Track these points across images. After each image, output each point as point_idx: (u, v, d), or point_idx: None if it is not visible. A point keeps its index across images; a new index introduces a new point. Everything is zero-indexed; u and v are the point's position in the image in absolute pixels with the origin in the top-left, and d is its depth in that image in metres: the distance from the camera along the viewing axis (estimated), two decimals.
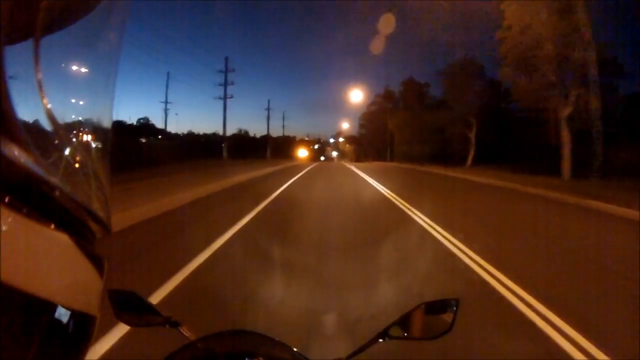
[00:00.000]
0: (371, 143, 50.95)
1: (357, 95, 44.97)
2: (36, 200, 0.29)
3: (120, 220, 5.50)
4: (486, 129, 25.25)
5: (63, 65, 0.38)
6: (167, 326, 0.81)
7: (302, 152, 56.84)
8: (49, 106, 0.34)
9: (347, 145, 67.41)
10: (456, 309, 0.77)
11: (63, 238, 0.32)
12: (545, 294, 3.18)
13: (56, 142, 0.36)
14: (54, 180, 0.30)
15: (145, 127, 39.02)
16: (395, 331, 0.77)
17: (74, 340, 0.34)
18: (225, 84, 34.45)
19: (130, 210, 6.21)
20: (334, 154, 71.44)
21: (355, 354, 0.78)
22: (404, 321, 0.77)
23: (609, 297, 3.29)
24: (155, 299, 3.07)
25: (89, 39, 0.39)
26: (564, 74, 15.07)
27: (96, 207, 0.37)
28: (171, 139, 38.54)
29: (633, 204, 7.48)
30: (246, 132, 56.28)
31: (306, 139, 71.22)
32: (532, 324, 2.71)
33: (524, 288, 3.31)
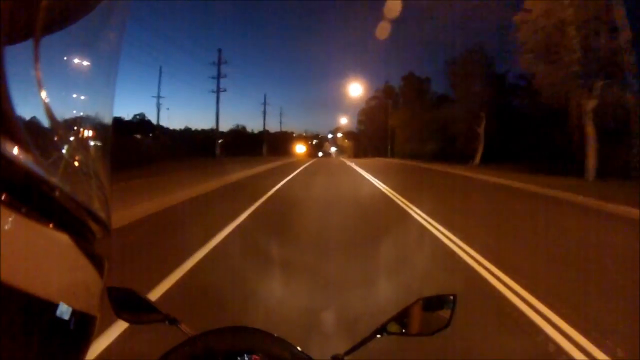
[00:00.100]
0: (370, 139, 50.82)
1: (356, 90, 44.61)
2: (36, 200, 0.29)
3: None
4: (496, 125, 23.70)
5: (63, 65, 0.38)
6: (166, 323, 0.82)
7: (300, 148, 56.69)
8: (49, 106, 0.33)
9: (346, 141, 67.31)
10: (454, 305, 0.77)
11: (63, 238, 0.32)
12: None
13: (56, 141, 0.36)
14: (54, 180, 0.30)
15: (141, 123, 38.64)
16: (393, 327, 0.78)
17: (74, 340, 0.34)
18: (218, 77, 32.81)
19: None
20: (333, 149, 71.14)
21: (353, 349, 0.79)
22: (401, 317, 0.78)
23: None
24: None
25: (89, 39, 0.39)
26: (589, 63, 13.38)
27: (96, 207, 0.37)
28: (169, 135, 38.17)
29: None
30: (243, 128, 56.01)
31: (304, 134, 71.16)
32: None
33: (582, 333, 2.60)
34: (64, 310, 0.31)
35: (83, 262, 0.34)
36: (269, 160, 27.83)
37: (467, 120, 24.93)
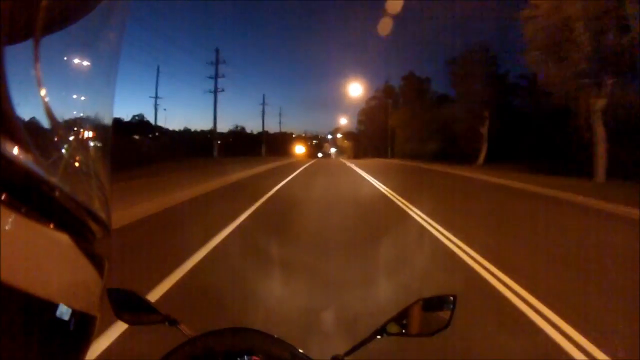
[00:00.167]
0: (370, 140, 50.77)
1: (356, 90, 44.50)
2: (36, 200, 0.29)
3: None
4: (498, 125, 23.29)
5: (63, 65, 0.38)
6: (166, 324, 0.82)
7: (299, 149, 56.70)
8: (49, 106, 0.33)
9: (346, 141, 67.31)
10: (453, 306, 0.77)
11: (63, 238, 0.32)
12: None
13: (56, 142, 0.36)
14: (54, 180, 0.30)
15: (140, 124, 38.52)
16: (392, 327, 0.78)
17: (74, 340, 0.34)
18: (215, 77, 32.37)
19: None
20: (332, 150, 71.00)
21: (353, 350, 0.79)
22: (401, 317, 0.78)
23: None
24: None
25: (89, 39, 0.39)
26: (599, 61, 12.67)
27: (96, 207, 0.37)
28: (168, 136, 38.05)
29: None
30: (243, 129, 56.08)
31: (303, 135, 71.20)
32: None
33: None
34: (64, 311, 0.31)
35: (83, 262, 0.34)
36: (267, 161, 27.27)
37: (469, 120, 24.52)
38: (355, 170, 20.84)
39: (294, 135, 67.26)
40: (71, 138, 0.38)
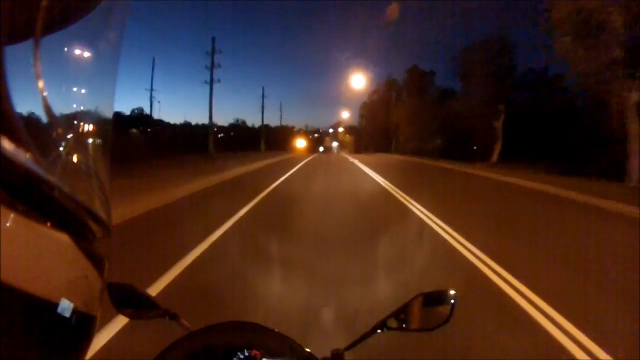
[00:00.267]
0: (372, 134, 50.43)
1: (358, 81, 43.07)
2: (36, 199, 0.29)
3: None
4: (513, 120, 21.62)
5: (63, 65, 0.38)
6: (166, 318, 0.83)
7: (300, 143, 56.46)
8: (49, 106, 0.34)
9: (347, 135, 66.94)
10: (454, 301, 0.78)
11: (63, 238, 0.32)
12: None
13: (56, 141, 0.36)
14: (54, 179, 0.31)
15: (140, 117, 38.01)
16: (393, 322, 0.78)
17: (74, 340, 0.34)
18: (211, 66, 30.41)
19: None
20: (334, 144, 70.13)
21: (353, 345, 0.79)
22: (401, 312, 0.78)
23: None
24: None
25: (89, 39, 0.39)
26: (635, 49, 11.32)
27: (96, 206, 0.37)
28: (169, 130, 37.72)
29: None
30: (244, 122, 55.85)
31: (304, 129, 70.84)
32: None
33: None
34: (63, 311, 0.31)
35: (83, 262, 0.34)
36: (264, 157, 25.65)
37: (482, 114, 22.63)
38: (360, 168, 19.12)
39: (294, 129, 67.01)
40: (71, 138, 0.38)
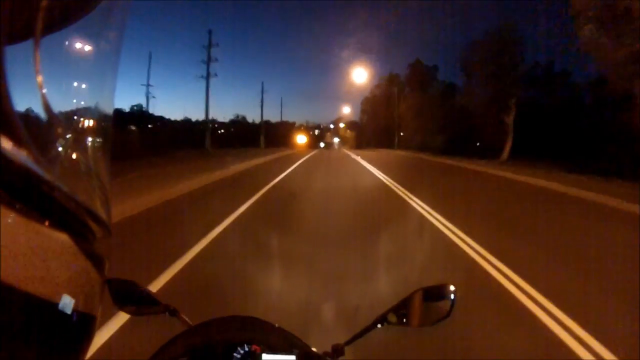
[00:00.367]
0: (374, 130, 50.02)
1: (360, 75, 42.42)
2: (36, 199, 0.29)
3: None
4: (522, 116, 20.59)
5: (63, 65, 0.38)
6: (166, 314, 0.83)
7: (301, 139, 56.17)
8: (49, 106, 0.34)
9: (348, 131, 66.47)
10: (454, 296, 0.78)
11: (63, 237, 0.32)
12: None
13: (57, 141, 0.36)
14: (54, 179, 0.31)
15: (139, 114, 37.67)
16: (393, 317, 0.78)
17: (74, 339, 0.34)
18: (207, 60, 29.86)
19: None
20: (336, 140, 69.05)
21: (353, 339, 0.79)
22: (402, 307, 0.78)
23: None
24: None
25: (89, 39, 0.39)
26: None
27: (96, 206, 0.37)
28: (168, 127, 37.41)
29: None
30: (244, 118, 55.59)
31: (304, 125, 70.49)
32: None
33: None
34: (63, 311, 0.32)
35: (83, 262, 0.34)
36: (264, 154, 24.90)
37: (490, 110, 21.34)
38: (365, 166, 17.53)
39: (295, 125, 66.68)
40: (71, 138, 0.38)
